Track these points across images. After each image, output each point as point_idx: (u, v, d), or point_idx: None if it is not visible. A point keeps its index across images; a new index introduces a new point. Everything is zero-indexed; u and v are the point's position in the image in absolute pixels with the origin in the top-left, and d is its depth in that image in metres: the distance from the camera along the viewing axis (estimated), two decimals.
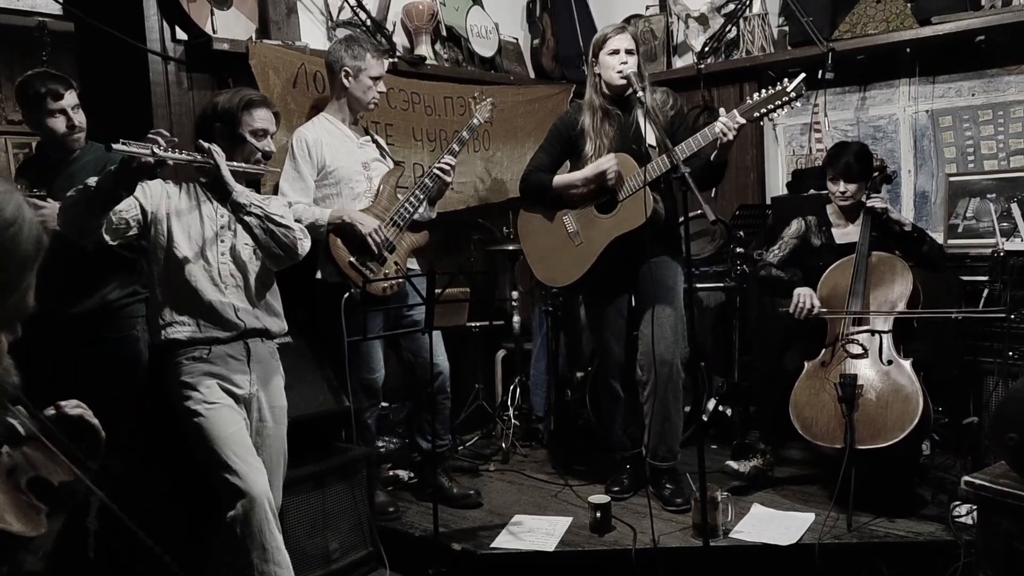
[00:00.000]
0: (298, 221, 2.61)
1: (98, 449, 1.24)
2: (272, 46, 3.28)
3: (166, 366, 2.44)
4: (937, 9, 3.73)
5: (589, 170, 3.10)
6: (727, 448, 3.72)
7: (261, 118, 2.48)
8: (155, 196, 2.40)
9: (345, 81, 3.09)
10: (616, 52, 3.05)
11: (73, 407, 1.26)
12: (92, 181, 2.20)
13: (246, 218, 2.35)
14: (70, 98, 2.70)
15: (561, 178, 3.20)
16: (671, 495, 3.13)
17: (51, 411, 1.21)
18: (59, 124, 2.69)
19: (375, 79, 3.11)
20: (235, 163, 2.41)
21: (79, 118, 2.73)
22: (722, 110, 2.95)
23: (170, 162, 2.18)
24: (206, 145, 2.34)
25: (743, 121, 2.87)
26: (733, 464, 3.25)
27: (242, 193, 2.36)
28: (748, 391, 3.85)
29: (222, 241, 2.46)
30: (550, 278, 3.33)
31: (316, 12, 3.68)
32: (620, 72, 3.00)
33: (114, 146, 2.09)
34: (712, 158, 2.98)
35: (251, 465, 2.35)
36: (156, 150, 2.12)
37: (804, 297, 3.15)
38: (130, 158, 2.10)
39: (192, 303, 2.40)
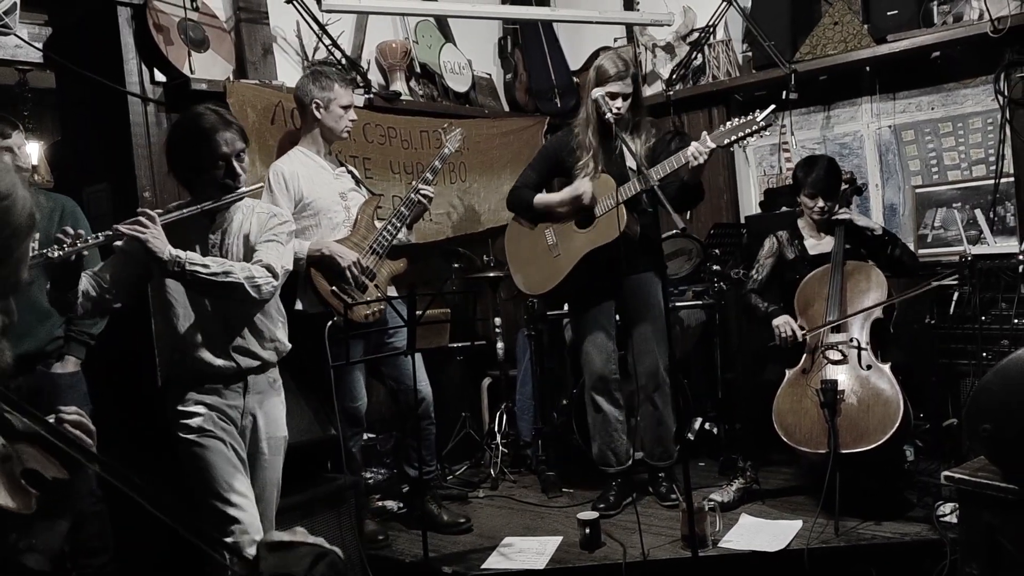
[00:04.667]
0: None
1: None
2: (250, 85, 3.37)
3: (165, 392, 2.44)
4: (891, 27, 3.86)
5: (566, 192, 3.25)
6: (714, 464, 3.75)
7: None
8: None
9: (317, 113, 3.14)
10: (614, 97, 3.14)
11: (72, 413, 1.28)
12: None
13: (179, 279, 2.28)
14: (16, 138, 2.77)
15: (541, 198, 3.37)
16: (667, 491, 3.23)
17: (51, 418, 1.23)
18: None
19: (345, 107, 3.17)
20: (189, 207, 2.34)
21: (24, 158, 2.79)
22: (705, 132, 3.03)
23: (84, 252, 2.11)
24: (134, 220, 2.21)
25: (713, 146, 2.96)
26: (716, 497, 3.18)
27: (171, 256, 2.23)
28: (732, 407, 3.88)
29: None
30: (528, 286, 3.48)
31: (292, 52, 3.78)
32: (609, 118, 3.05)
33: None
34: (685, 179, 3.08)
35: (243, 495, 2.34)
36: (52, 253, 2.07)
37: (784, 328, 3.21)
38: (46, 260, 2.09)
39: (183, 346, 2.39)
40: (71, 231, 2.09)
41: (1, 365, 0.93)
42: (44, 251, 2.07)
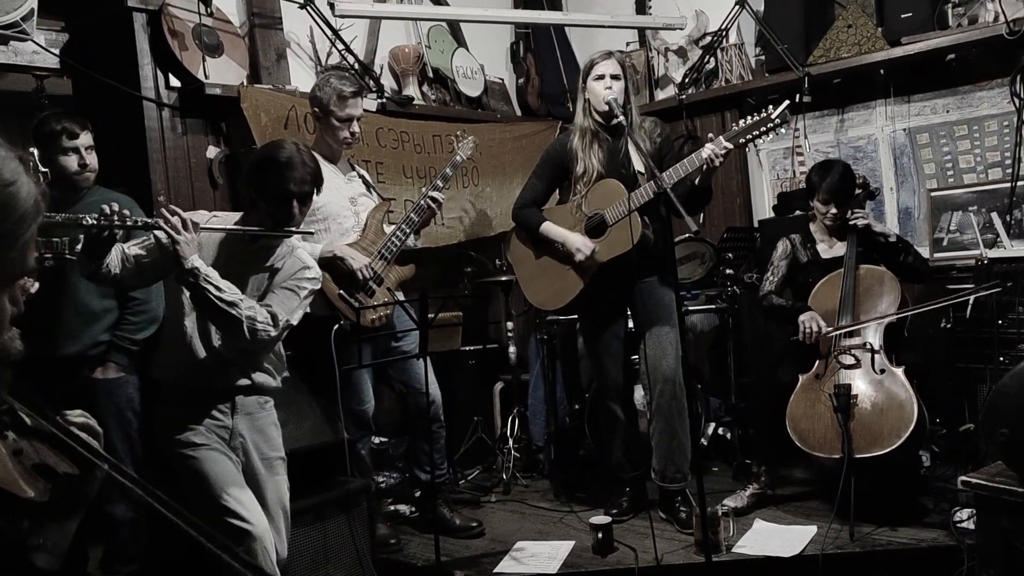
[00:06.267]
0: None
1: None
2: (263, 89, 3.39)
3: (153, 409, 2.44)
4: (906, 30, 3.84)
5: (568, 238, 3.18)
6: (728, 469, 3.73)
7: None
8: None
9: (316, 121, 3.16)
10: (602, 77, 3.12)
11: (78, 416, 1.28)
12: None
13: (190, 289, 2.26)
14: (84, 138, 2.79)
15: (547, 228, 3.25)
16: (688, 517, 3.08)
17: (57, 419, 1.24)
18: (71, 162, 2.78)
19: (342, 120, 3.08)
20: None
21: (91, 159, 2.81)
22: (711, 134, 3.02)
23: (118, 231, 2.18)
24: (163, 211, 2.25)
25: (730, 146, 2.93)
26: (730, 502, 3.18)
27: (192, 266, 2.22)
28: (746, 412, 3.85)
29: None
30: (541, 301, 3.37)
31: (305, 57, 3.80)
32: (604, 98, 3.08)
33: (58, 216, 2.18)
34: (696, 182, 3.05)
35: (247, 505, 2.30)
36: (85, 221, 2.13)
37: (809, 323, 3.17)
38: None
39: (182, 351, 2.38)
40: (116, 207, 2.15)
41: (11, 353, 0.93)
42: (80, 216, 2.12)
